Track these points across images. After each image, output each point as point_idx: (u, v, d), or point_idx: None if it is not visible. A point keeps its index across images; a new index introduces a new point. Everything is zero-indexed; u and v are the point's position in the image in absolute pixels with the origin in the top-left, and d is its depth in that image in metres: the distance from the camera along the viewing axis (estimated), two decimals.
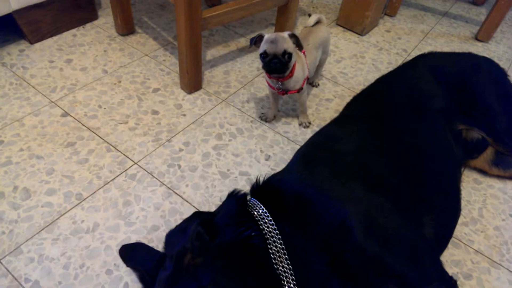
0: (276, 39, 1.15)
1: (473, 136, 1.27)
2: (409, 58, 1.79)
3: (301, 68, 1.26)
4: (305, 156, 1.06)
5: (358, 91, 1.36)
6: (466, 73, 1.29)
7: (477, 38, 2.06)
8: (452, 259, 1.08)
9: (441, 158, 1.11)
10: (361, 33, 1.94)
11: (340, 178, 0.92)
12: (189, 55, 1.37)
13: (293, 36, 1.18)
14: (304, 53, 1.31)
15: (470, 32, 2.11)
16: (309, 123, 1.42)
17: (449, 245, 1.11)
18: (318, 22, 1.45)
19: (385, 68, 1.74)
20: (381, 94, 1.24)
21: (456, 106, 1.23)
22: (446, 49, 1.93)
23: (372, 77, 1.65)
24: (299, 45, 1.19)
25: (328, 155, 1.00)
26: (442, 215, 1.03)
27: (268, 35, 1.17)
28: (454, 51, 1.89)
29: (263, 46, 1.16)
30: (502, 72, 1.35)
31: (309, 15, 1.46)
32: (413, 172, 1.00)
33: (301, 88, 1.31)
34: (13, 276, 0.94)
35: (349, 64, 1.74)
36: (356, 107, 1.22)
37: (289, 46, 1.16)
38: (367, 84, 1.46)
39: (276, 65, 1.16)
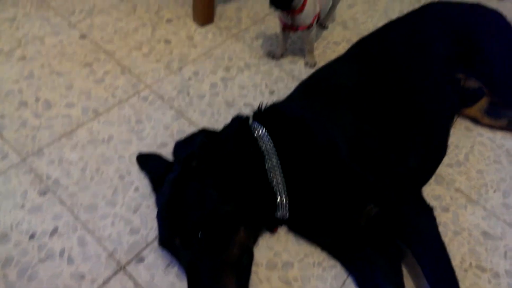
0: None
1: (470, 85, 1.32)
2: None
3: (312, 3, 1.30)
4: (306, 87, 1.13)
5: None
6: (473, 23, 1.31)
7: None
8: (433, 193, 1.18)
9: (436, 100, 1.17)
10: None
11: (334, 107, 1.01)
12: None
13: None
14: None
15: None
16: (315, 63, 1.48)
17: (432, 181, 1.20)
18: None
19: (396, 17, 1.73)
20: (386, 37, 1.28)
21: (459, 54, 1.27)
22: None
23: (382, 25, 1.67)
24: None
25: (327, 87, 1.07)
26: (427, 151, 1.11)
27: None
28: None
29: None
30: (509, 26, 1.37)
31: None
32: (407, 109, 1.07)
33: (311, 25, 1.35)
34: (36, 173, 1.06)
35: (361, 10, 1.76)
36: (361, 47, 1.27)
37: None
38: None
39: (279, 1, 1.23)
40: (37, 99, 1.21)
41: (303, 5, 1.27)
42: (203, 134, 0.94)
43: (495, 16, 1.37)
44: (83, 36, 1.41)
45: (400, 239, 0.94)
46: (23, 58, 1.31)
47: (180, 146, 0.98)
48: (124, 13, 1.52)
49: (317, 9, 1.34)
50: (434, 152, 1.13)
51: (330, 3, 1.49)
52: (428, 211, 0.96)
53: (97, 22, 1.47)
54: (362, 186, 0.90)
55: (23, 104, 1.19)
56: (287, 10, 1.27)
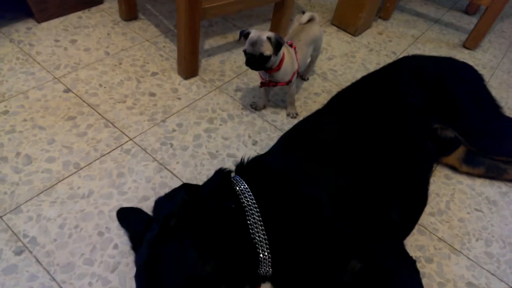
0: (255, 41, 1.24)
1: (447, 134, 1.36)
2: None
3: (290, 62, 1.36)
4: (288, 140, 1.15)
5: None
6: (445, 75, 1.38)
7: (464, 45, 2.15)
8: (416, 243, 1.18)
9: (414, 151, 1.20)
10: (354, 33, 2.03)
11: (316, 162, 1.02)
12: (188, 42, 1.46)
13: (276, 38, 1.24)
14: (295, 48, 1.40)
15: (459, 39, 2.20)
16: (296, 114, 1.51)
17: (415, 232, 1.21)
18: (311, 20, 1.52)
19: (373, 68, 1.83)
20: (363, 90, 1.33)
21: (433, 106, 1.32)
22: (433, 54, 2.03)
23: (360, 76, 1.72)
24: (277, 48, 1.26)
25: (308, 141, 1.09)
26: (409, 202, 1.12)
27: (252, 33, 1.26)
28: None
29: (245, 44, 1.27)
30: (479, 78, 1.44)
31: (303, 13, 1.56)
32: (386, 161, 1.09)
33: (290, 81, 1.40)
34: (12, 231, 1.03)
35: (340, 62, 1.84)
36: (339, 100, 1.31)
37: (267, 49, 1.24)
38: (354, 81, 1.56)
39: (253, 64, 1.29)
40: (18, 154, 1.20)
41: (281, 63, 1.32)
42: (184, 191, 0.93)
43: (467, 68, 1.45)
44: (67, 90, 1.43)
45: None
46: (5, 112, 1.31)
47: (161, 203, 0.97)
48: (109, 66, 1.56)
49: (295, 67, 1.40)
50: (415, 202, 1.14)
51: (308, 58, 1.56)
52: (411, 264, 0.95)
53: (82, 76, 1.49)
54: (345, 242, 0.89)
55: (3, 159, 1.18)
56: (263, 70, 1.33)
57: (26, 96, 1.38)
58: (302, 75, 1.69)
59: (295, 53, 1.40)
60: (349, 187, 0.99)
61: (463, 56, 2.08)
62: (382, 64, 1.87)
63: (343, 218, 0.92)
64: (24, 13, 1.71)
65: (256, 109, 1.51)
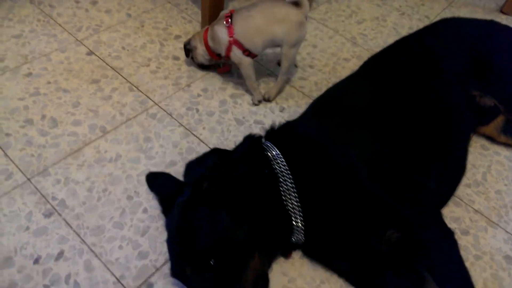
0: None
1: (485, 102, 1.29)
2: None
3: (210, 37, 1.29)
4: (319, 106, 1.10)
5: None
6: (486, 39, 1.29)
7: (502, 11, 2.02)
8: (451, 215, 1.14)
9: (452, 118, 1.14)
10: None
11: (349, 127, 0.97)
12: (212, 3, 1.39)
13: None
14: (227, 17, 1.23)
15: (496, 4, 2.07)
16: (261, 100, 1.34)
17: (450, 203, 1.16)
18: (298, 4, 1.21)
19: (405, 32, 1.73)
20: (398, 53, 1.26)
21: (473, 71, 1.25)
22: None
23: (392, 41, 1.63)
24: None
25: (341, 106, 1.04)
26: (447, 171, 1.08)
27: None
28: None
29: None
30: None
31: None
32: (423, 128, 1.04)
33: (227, 57, 1.28)
34: (41, 194, 1.02)
35: (370, 26, 1.74)
36: (372, 64, 1.25)
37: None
38: (385, 46, 1.48)
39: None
40: (43, 117, 1.18)
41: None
42: (215, 155, 0.90)
43: (509, 32, 1.35)
44: (90, 53, 1.39)
45: (422, 264, 0.89)
46: (29, 74, 1.29)
47: (192, 167, 0.94)
48: (131, 29, 1.51)
49: (223, 42, 1.24)
50: (453, 171, 1.10)
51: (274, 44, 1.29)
52: (449, 235, 0.92)
53: (104, 39, 1.45)
54: (382, 211, 0.86)
55: (29, 121, 1.16)
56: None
57: (48, 59, 1.34)
58: (278, 62, 1.44)
59: (229, 25, 1.22)
60: (386, 153, 0.94)
61: (500, 21, 1.95)
62: (414, 29, 1.76)
63: (380, 185, 0.88)
64: None
65: (268, 100, 1.35)
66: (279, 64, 1.42)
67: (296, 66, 1.48)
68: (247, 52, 1.25)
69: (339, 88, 1.15)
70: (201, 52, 1.32)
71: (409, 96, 1.08)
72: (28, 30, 1.43)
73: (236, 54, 1.25)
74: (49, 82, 1.27)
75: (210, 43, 1.28)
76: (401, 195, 0.88)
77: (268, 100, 1.34)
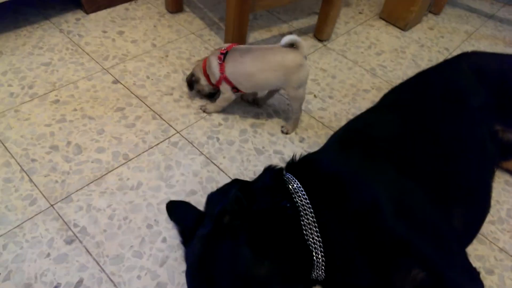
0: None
1: (509, 138, 1.27)
2: (451, 57, 1.78)
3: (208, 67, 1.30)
4: (341, 138, 1.10)
5: (396, 85, 1.38)
6: (509, 74, 1.29)
7: None
8: (475, 253, 1.10)
9: (476, 153, 1.12)
10: (404, 28, 1.94)
11: (374, 161, 0.96)
12: (236, 35, 1.43)
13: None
14: (222, 53, 1.24)
15: None
16: (208, 113, 1.38)
17: (474, 241, 1.13)
18: (295, 46, 1.18)
19: (425, 65, 1.74)
20: (420, 86, 1.26)
21: (495, 106, 1.24)
22: (489, 51, 1.91)
23: (411, 73, 1.66)
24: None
25: (364, 139, 1.04)
26: (471, 208, 1.05)
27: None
28: None
29: None
30: None
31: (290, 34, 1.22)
32: (447, 163, 1.02)
33: (214, 89, 1.36)
34: (63, 220, 1.03)
35: (389, 58, 1.76)
36: (394, 97, 1.25)
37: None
38: (405, 78, 1.48)
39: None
40: (68, 143, 1.21)
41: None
42: (237, 187, 0.90)
43: None
44: (115, 81, 1.43)
45: None
46: (56, 101, 1.33)
47: (213, 199, 0.94)
48: (156, 59, 1.55)
49: (215, 76, 1.27)
50: (478, 208, 1.07)
51: (269, 89, 1.36)
52: (475, 276, 0.89)
53: (130, 68, 1.49)
54: (407, 249, 0.84)
55: (54, 148, 1.19)
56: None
57: (76, 86, 1.39)
58: (258, 102, 1.44)
59: (222, 62, 1.24)
60: (410, 189, 0.92)
61: None
62: (434, 61, 1.78)
63: (404, 222, 0.87)
64: (73, 4, 1.73)
65: (287, 133, 1.36)
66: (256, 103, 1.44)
67: (315, 96, 1.50)
68: (235, 90, 1.28)
69: (361, 121, 1.15)
70: (204, 82, 1.34)
71: (433, 130, 1.07)
72: (57, 58, 1.49)
73: (225, 87, 1.29)
74: (75, 109, 1.31)
75: (208, 72, 1.31)
76: (425, 233, 0.86)
77: (286, 133, 1.35)
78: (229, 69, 1.24)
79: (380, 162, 0.95)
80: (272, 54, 1.19)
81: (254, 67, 1.20)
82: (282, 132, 1.36)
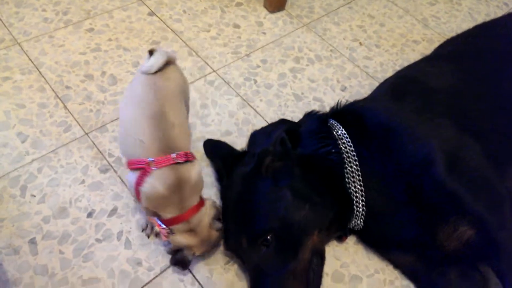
0: None
1: None
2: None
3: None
4: (393, 87, 1.02)
5: (449, 38, 1.26)
6: None
7: None
8: None
9: None
10: None
11: (430, 113, 0.89)
12: None
13: None
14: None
15: None
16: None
17: None
18: (168, 64, 0.83)
19: (482, 19, 1.60)
20: (483, 39, 1.15)
21: None
22: None
23: (466, 26, 1.52)
24: None
25: (419, 90, 0.96)
26: None
27: None
28: None
29: None
30: None
31: (150, 53, 0.82)
32: (507, 122, 0.94)
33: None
34: (98, 149, 1.02)
35: (443, 9, 1.62)
36: (453, 48, 1.15)
37: None
38: (459, 32, 1.36)
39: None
40: (103, 73, 1.17)
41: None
42: (283, 128, 0.85)
43: None
44: (151, 13, 1.36)
45: (492, 266, 0.82)
46: (91, 30, 1.28)
47: (257, 138, 0.90)
48: None
49: None
50: None
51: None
52: None
53: (166, 0, 1.42)
54: (457, 206, 0.79)
55: (89, 76, 1.16)
56: None
57: (110, 16, 1.33)
58: None
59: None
60: (468, 146, 0.85)
61: None
62: (492, 16, 1.63)
63: (458, 176, 0.81)
64: None
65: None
66: None
67: (360, 44, 1.40)
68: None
69: (416, 69, 1.07)
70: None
71: (494, 86, 0.98)
72: None
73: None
74: (110, 39, 1.26)
75: None
76: (479, 192, 0.81)
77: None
78: None
79: (437, 115, 0.87)
80: (167, 80, 0.82)
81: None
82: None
